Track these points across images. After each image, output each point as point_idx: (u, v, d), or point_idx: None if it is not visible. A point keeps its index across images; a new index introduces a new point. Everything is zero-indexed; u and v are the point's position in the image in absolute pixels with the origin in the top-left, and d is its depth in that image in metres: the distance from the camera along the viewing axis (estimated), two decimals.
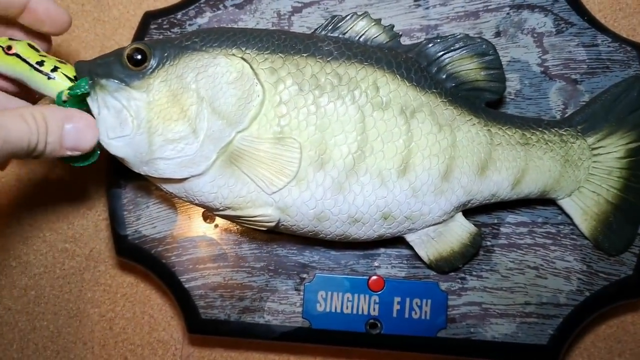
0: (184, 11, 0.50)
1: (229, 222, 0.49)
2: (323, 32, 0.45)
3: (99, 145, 0.41)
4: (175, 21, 0.50)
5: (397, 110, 0.44)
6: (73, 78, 0.41)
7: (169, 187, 0.44)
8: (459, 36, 0.45)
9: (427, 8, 0.50)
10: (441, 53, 0.45)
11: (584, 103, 0.49)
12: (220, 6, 0.50)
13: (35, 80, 0.41)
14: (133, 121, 0.41)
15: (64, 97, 0.41)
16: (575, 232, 0.49)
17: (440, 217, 0.46)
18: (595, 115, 0.47)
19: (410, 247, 0.48)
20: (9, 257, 0.54)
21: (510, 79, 0.49)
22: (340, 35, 0.45)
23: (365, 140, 0.43)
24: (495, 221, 0.50)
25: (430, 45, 0.46)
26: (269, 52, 0.43)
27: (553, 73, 0.50)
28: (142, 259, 0.50)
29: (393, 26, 0.46)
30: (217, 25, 0.50)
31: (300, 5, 0.50)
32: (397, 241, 0.48)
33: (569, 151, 0.47)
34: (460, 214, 0.47)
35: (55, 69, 0.41)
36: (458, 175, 0.45)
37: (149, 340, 0.55)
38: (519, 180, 0.46)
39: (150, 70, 0.42)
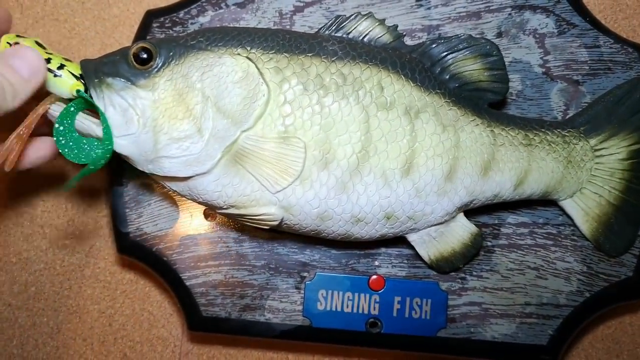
0: (186, 10, 0.50)
1: (231, 220, 0.49)
2: (327, 32, 0.45)
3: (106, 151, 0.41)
4: (177, 20, 0.50)
5: (402, 110, 0.44)
6: (79, 76, 0.41)
7: (173, 186, 0.44)
8: (462, 37, 0.45)
9: (428, 8, 0.50)
10: (445, 53, 0.46)
11: (585, 104, 0.49)
12: (222, 5, 0.50)
13: None
14: (139, 120, 0.41)
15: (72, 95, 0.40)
16: (575, 233, 0.49)
17: (443, 218, 0.46)
18: (597, 117, 0.48)
19: (411, 247, 0.48)
20: (9, 253, 0.54)
21: (512, 79, 0.50)
22: (345, 35, 0.45)
23: (369, 140, 0.43)
24: (496, 221, 0.50)
25: (434, 45, 0.46)
26: (274, 51, 0.43)
27: (555, 74, 0.50)
28: (144, 256, 0.50)
29: (397, 26, 0.46)
30: (219, 24, 0.50)
31: (302, 4, 0.50)
32: (397, 241, 0.48)
33: (572, 152, 0.47)
34: (461, 214, 0.47)
35: (61, 67, 0.41)
36: (461, 175, 0.45)
37: (148, 336, 0.55)
38: (521, 181, 0.46)
39: (156, 69, 0.42)
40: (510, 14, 0.50)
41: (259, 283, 0.49)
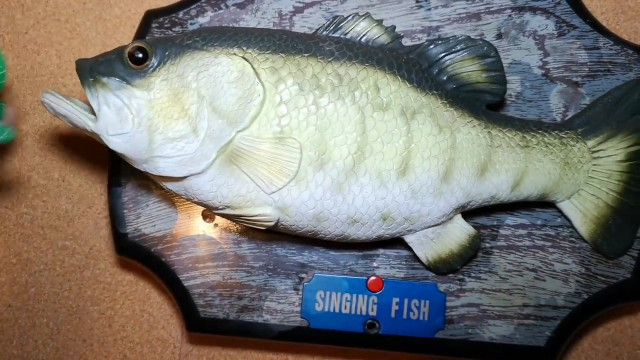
0: (185, 10, 0.50)
1: (229, 221, 0.49)
2: (324, 33, 0.45)
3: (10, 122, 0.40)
4: (176, 20, 0.50)
5: (398, 111, 0.44)
6: None
7: (168, 185, 0.44)
8: (460, 38, 0.45)
9: (428, 9, 0.50)
10: (442, 54, 0.45)
11: (585, 106, 0.49)
12: (222, 5, 0.50)
13: None
14: (134, 119, 0.41)
15: None
16: (574, 235, 0.49)
17: (439, 219, 0.46)
18: (595, 118, 0.47)
19: (409, 248, 0.48)
20: (9, 254, 0.55)
21: (511, 81, 0.49)
22: (342, 36, 0.45)
23: (365, 141, 0.43)
24: (494, 223, 0.50)
25: (431, 46, 0.45)
26: (270, 51, 0.43)
27: (554, 75, 0.50)
28: (142, 257, 0.50)
29: (394, 27, 0.46)
30: (218, 25, 0.50)
31: (301, 5, 0.50)
32: (396, 242, 0.48)
33: (569, 154, 0.47)
34: (459, 216, 0.47)
35: None
36: (458, 177, 0.45)
37: (147, 338, 0.55)
38: (518, 182, 0.46)
39: (152, 68, 0.42)
40: (510, 16, 0.50)
41: (257, 284, 0.49)
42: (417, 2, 0.50)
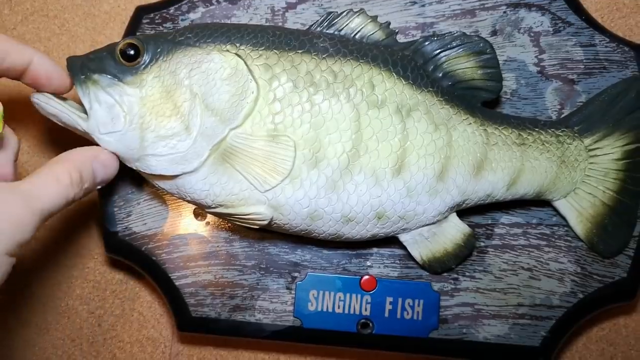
0: (176, 6, 0.50)
1: (221, 219, 0.49)
2: (318, 29, 0.45)
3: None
4: (167, 16, 0.50)
5: (393, 108, 0.43)
6: None
7: (161, 184, 0.44)
8: (455, 34, 0.45)
9: (423, 5, 0.50)
10: (438, 51, 0.45)
11: (580, 103, 0.49)
12: (214, 1, 0.50)
13: None
14: (125, 117, 0.41)
15: None
16: (569, 234, 0.49)
17: (435, 218, 0.45)
18: (592, 116, 0.47)
19: (403, 247, 0.47)
20: None
21: (507, 78, 0.49)
22: (336, 32, 0.45)
23: (360, 139, 0.42)
24: (489, 222, 0.49)
25: (426, 43, 0.45)
26: (263, 48, 0.43)
27: (550, 73, 0.49)
28: (133, 256, 0.49)
29: (389, 23, 0.46)
30: (209, 21, 0.50)
31: (294, 1, 0.50)
32: (390, 241, 0.48)
33: (566, 152, 0.47)
34: (454, 215, 0.47)
35: None
36: (453, 175, 0.44)
37: (138, 337, 0.54)
38: (514, 180, 0.46)
39: (144, 65, 0.42)
40: (505, 12, 0.50)
41: (250, 283, 0.49)
42: None
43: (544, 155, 0.46)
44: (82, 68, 0.42)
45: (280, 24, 0.50)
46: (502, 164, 0.45)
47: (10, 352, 0.54)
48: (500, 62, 0.47)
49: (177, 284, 0.49)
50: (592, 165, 0.47)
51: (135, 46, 0.42)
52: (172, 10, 0.50)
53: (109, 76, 0.41)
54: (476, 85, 0.46)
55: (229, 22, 0.50)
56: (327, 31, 0.45)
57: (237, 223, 0.44)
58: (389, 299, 0.48)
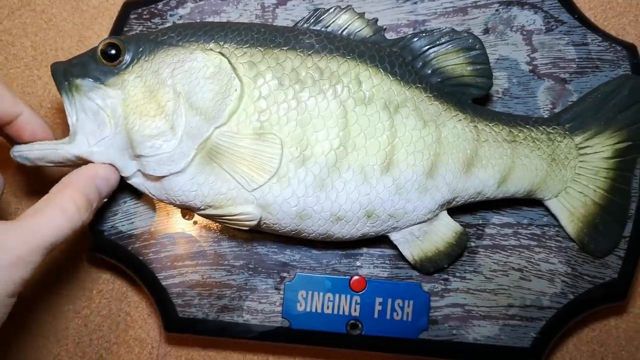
0: (164, 1, 0.49)
1: (210, 220, 0.48)
2: (305, 25, 0.45)
3: None
4: (155, 11, 0.49)
5: (380, 105, 0.43)
6: None
7: (150, 189, 0.43)
8: (444, 30, 0.45)
9: (414, 3, 0.49)
10: (426, 47, 0.45)
11: (572, 102, 0.49)
12: None
13: None
14: (110, 121, 0.41)
15: None
16: (560, 234, 0.49)
17: (425, 216, 0.45)
18: (583, 114, 0.47)
19: (393, 247, 0.47)
20: None
21: (498, 77, 0.49)
22: (323, 29, 0.45)
23: (348, 136, 0.42)
24: (480, 222, 0.49)
25: (415, 39, 0.45)
26: (247, 45, 0.42)
27: (542, 72, 0.49)
28: (119, 255, 0.49)
29: (377, 20, 0.45)
30: (198, 16, 0.49)
31: None
32: (379, 241, 0.48)
33: (556, 150, 0.46)
34: (445, 213, 0.46)
35: None
36: (443, 172, 0.44)
37: (124, 338, 0.54)
38: (505, 178, 0.45)
39: (125, 65, 0.42)
40: (497, 10, 0.49)
41: (238, 283, 0.48)
42: None
43: (534, 152, 0.46)
44: (64, 74, 0.42)
45: (270, 20, 0.49)
46: (493, 161, 0.45)
47: None
48: (492, 60, 0.47)
49: (164, 284, 0.48)
50: (583, 163, 0.47)
51: (116, 46, 0.42)
52: (160, 5, 0.49)
53: (91, 79, 0.41)
54: (466, 82, 0.45)
55: (218, 18, 0.49)
56: (314, 27, 0.45)
57: (227, 225, 0.44)
58: (379, 300, 0.48)
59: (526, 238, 0.49)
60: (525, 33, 0.49)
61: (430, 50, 0.45)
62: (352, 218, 0.43)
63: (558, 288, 0.48)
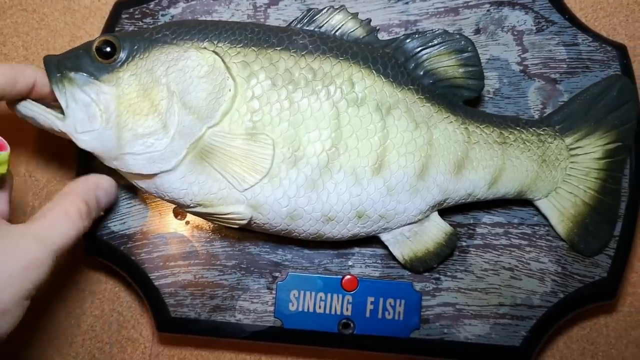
0: (156, 1, 0.49)
1: (201, 218, 0.48)
2: (298, 26, 0.45)
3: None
4: (147, 11, 0.49)
5: (373, 106, 0.43)
6: None
7: (139, 183, 0.43)
8: (437, 32, 0.45)
9: (406, 3, 0.50)
10: (419, 49, 0.45)
11: (562, 103, 0.49)
12: None
13: None
14: (102, 115, 0.41)
15: None
16: (550, 234, 0.49)
17: (416, 217, 0.45)
18: (574, 115, 0.47)
19: (385, 247, 0.47)
20: None
21: (489, 77, 0.49)
22: (316, 29, 0.45)
23: (340, 137, 0.42)
24: (471, 221, 0.49)
25: (407, 40, 0.45)
26: (241, 45, 0.42)
27: (532, 72, 0.49)
28: (111, 255, 0.49)
29: (370, 20, 0.45)
30: (190, 16, 0.49)
31: None
32: (371, 240, 0.48)
33: (547, 151, 0.46)
34: (435, 214, 0.46)
35: None
36: (434, 173, 0.44)
37: (117, 338, 0.54)
38: (495, 179, 0.46)
39: (120, 63, 0.41)
40: (488, 10, 0.50)
41: (230, 283, 0.49)
42: None
43: (525, 154, 0.46)
44: (58, 66, 0.41)
45: (262, 20, 0.49)
46: (484, 163, 0.45)
47: None
48: (483, 60, 0.47)
49: (156, 284, 0.48)
50: (573, 164, 0.47)
51: (111, 43, 0.41)
52: (152, 5, 0.49)
53: (85, 74, 0.41)
54: (457, 84, 0.45)
55: (210, 17, 0.49)
56: (307, 28, 0.45)
57: (217, 222, 0.44)
58: (370, 299, 0.48)
59: (517, 237, 0.49)
60: (516, 33, 0.49)
61: (423, 52, 0.45)
62: (343, 218, 0.43)
63: (548, 287, 0.48)
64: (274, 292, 0.48)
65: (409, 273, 0.48)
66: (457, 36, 0.45)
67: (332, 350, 0.52)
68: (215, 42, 0.42)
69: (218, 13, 0.49)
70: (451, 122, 0.45)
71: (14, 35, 0.54)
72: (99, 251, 0.49)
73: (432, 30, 0.45)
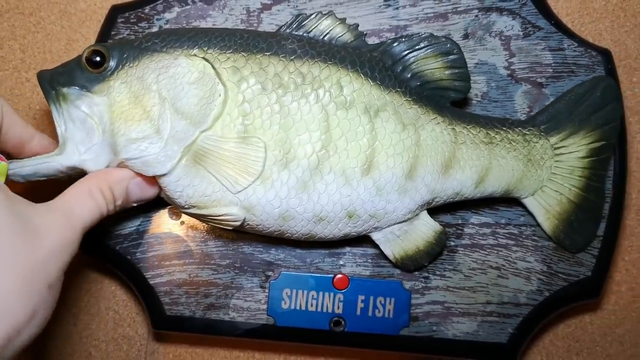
0: (151, 5, 0.50)
1: (195, 219, 0.49)
2: (288, 31, 0.46)
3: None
4: (142, 15, 0.50)
5: (361, 109, 0.44)
6: None
7: None
8: (423, 35, 0.46)
9: (396, 8, 0.50)
10: (406, 52, 0.46)
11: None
12: (189, 1, 0.50)
13: None
14: (98, 127, 0.42)
15: None
16: (536, 234, 0.50)
17: (405, 216, 0.46)
18: (558, 115, 0.48)
19: (376, 246, 0.48)
20: None
21: (477, 81, 0.50)
22: (305, 34, 0.45)
23: (329, 139, 0.43)
24: (459, 222, 0.50)
25: (395, 44, 0.46)
26: (231, 51, 0.43)
27: (519, 76, 0.50)
28: (107, 255, 0.49)
29: (358, 25, 0.46)
30: (185, 21, 0.50)
31: (269, 2, 0.50)
32: (362, 240, 0.49)
33: (532, 151, 0.47)
34: (425, 213, 0.47)
35: None
36: (422, 173, 0.45)
37: (113, 336, 0.54)
38: (482, 178, 0.46)
39: (110, 71, 0.42)
40: (477, 16, 0.50)
41: (224, 282, 0.49)
42: (385, 1, 0.50)
43: (511, 153, 0.47)
44: (51, 82, 0.42)
45: (255, 24, 0.50)
46: (470, 163, 0.46)
47: None
48: (471, 65, 0.48)
49: (151, 282, 0.49)
50: (558, 163, 0.48)
51: (100, 52, 0.42)
52: (147, 9, 0.50)
53: (77, 87, 0.42)
54: (444, 85, 0.46)
55: (204, 22, 0.50)
56: (296, 33, 0.45)
57: (211, 224, 0.45)
58: (361, 297, 0.49)
59: (504, 237, 0.50)
60: (503, 38, 0.50)
61: (410, 55, 0.46)
62: (334, 219, 0.44)
63: (534, 285, 0.49)
64: (267, 290, 0.49)
65: (399, 272, 0.49)
66: (443, 39, 0.46)
67: (324, 348, 0.53)
68: (205, 49, 0.43)
69: (212, 18, 0.50)
70: (438, 123, 0.46)
71: (10, 39, 0.54)
72: (95, 250, 0.49)
73: (418, 34, 0.46)
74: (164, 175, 0.42)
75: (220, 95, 0.42)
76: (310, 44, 0.44)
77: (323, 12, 0.45)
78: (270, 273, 0.49)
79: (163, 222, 0.50)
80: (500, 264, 0.49)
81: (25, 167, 0.42)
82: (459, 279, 0.49)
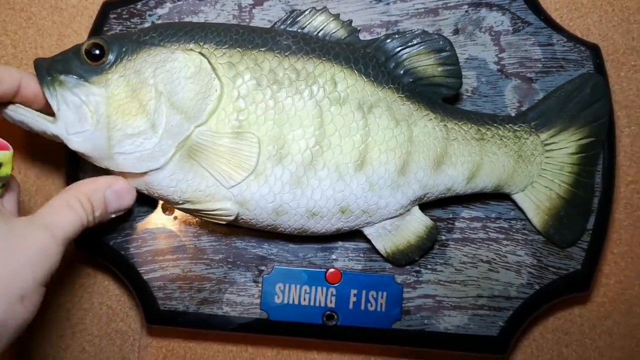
0: (143, 1, 0.50)
1: (188, 214, 0.49)
2: (282, 27, 0.46)
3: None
4: (134, 11, 0.50)
5: (355, 105, 0.44)
6: None
7: (130, 181, 0.44)
8: (416, 32, 0.46)
9: (387, 4, 0.51)
10: (399, 49, 0.46)
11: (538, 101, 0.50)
12: None
13: None
14: (92, 116, 0.41)
15: None
16: (526, 227, 0.50)
17: (397, 211, 0.46)
18: (548, 112, 0.48)
19: (368, 241, 0.48)
20: None
21: (468, 76, 0.50)
22: (299, 30, 0.46)
23: (323, 135, 0.43)
24: (450, 216, 0.50)
25: (388, 40, 0.46)
26: (227, 46, 0.43)
27: (509, 71, 0.51)
28: (101, 250, 0.49)
29: (351, 21, 0.46)
30: (177, 16, 0.50)
31: None
32: (354, 235, 0.49)
33: (522, 147, 0.48)
34: (416, 208, 0.48)
35: None
36: (414, 169, 0.45)
37: (107, 330, 0.54)
38: (473, 174, 0.47)
39: (109, 65, 0.42)
40: (467, 11, 0.51)
41: (217, 277, 0.50)
42: None
43: (501, 150, 0.47)
44: (48, 69, 0.42)
45: (247, 20, 0.50)
46: (462, 159, 0.47)
47: None
48: (462, 60, 0.48)
49: (145, 277, 0.49)
50: (548, 159, 0.48)
51: (100, 46, 0.42)
52: (139, 5, 0.50)
53: (75, 76, 0.42)
54: (436, 82, 0.46)
55: (196, 17, 0.50)
56: (291, 29, 0.45)
57: (205, 219, 0.45)
58: (353, 291, 0.49)
59: (494, 231, 0.50)
60: (493, 34, 0.51)
61: (403, 52, 0.46)
62: (327, 214, 0.45)
63: (524, 279, 0.50)
64: (260, 285, 0.49)
65: (391, 266, 0.50)
66: (436, 36, 0.46)
67: (317, 341, 0.53)
68: (202, 44, 0.43)
69: (204, 13, 0.50)
70: (430, 119, 0.46)
71: (2, 34, 0.54)
72: (88, 246, 0.49)
73: (411, 30, 0.46)
74: (157, 170, 0.42)
75: (216, 90, 0.42)
76: (305, 40, 0.45)
77: (317, 8, 0.45)
78: (263, 268, 0.50)
79: (156, 218, 0.50)
80: (491, 258, 0.50)
81: (18, 114, 0.42)
82: (450, 273, 0.50)
